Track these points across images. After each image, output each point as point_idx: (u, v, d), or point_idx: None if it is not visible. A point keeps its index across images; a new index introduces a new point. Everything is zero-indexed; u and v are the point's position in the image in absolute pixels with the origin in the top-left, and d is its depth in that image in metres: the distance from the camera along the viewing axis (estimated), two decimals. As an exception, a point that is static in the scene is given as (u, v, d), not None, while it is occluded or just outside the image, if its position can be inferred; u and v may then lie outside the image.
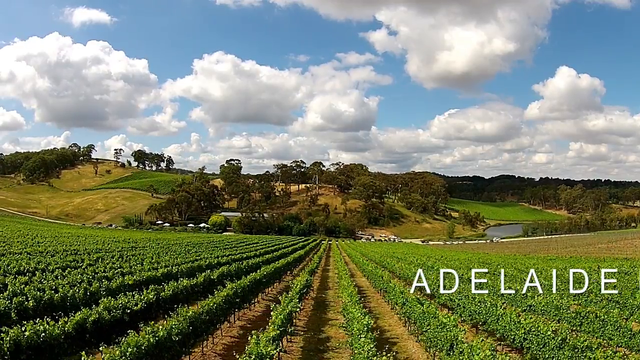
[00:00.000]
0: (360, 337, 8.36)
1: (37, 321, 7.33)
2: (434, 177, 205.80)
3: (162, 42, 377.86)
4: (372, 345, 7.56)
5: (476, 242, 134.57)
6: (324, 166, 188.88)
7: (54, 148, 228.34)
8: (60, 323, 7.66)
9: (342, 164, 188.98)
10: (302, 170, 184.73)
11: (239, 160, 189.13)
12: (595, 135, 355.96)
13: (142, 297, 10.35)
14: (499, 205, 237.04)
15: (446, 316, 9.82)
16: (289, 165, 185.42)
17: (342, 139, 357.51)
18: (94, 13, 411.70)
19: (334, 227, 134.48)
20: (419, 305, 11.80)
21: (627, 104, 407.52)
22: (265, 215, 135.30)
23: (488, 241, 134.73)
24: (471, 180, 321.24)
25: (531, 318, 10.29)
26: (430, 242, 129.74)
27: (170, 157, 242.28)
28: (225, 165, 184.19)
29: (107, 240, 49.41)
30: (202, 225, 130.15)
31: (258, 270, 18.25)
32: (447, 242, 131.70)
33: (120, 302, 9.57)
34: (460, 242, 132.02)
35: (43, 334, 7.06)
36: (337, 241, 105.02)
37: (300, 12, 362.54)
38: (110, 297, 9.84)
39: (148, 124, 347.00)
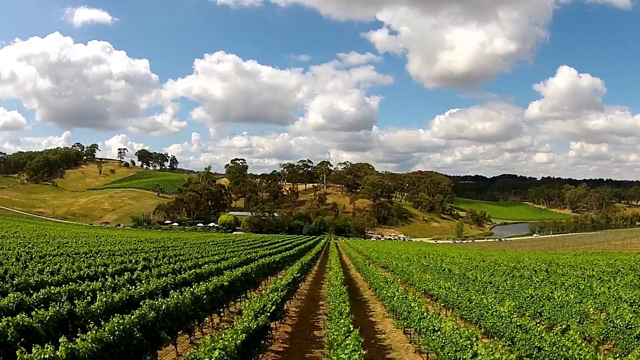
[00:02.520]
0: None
1: (215, 336, 6.47)
2: (441, 176, 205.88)
3: (163, 42, 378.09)
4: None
5: (485, 240, 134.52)
6: (331, 165, 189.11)
7: (58, 148, 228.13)
8: (230, 334, 6.79)
9: (350, 163, 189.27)
10: (309, 169, 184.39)
11: (244, 160, 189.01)
12: (596, 135, 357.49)
13: (270, 299, 10.06)
14: (504, 205, 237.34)
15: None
16: (295, 164, 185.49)
17: (343, 139, 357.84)
18: (95, 13, 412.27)
19: (344, 226, 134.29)
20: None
21: (628, 103, 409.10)
22: (275, 214, 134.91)
23: (496, 240, 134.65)
24: (473, 179, 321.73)
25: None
26: (439, 241, 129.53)
27: (174, 156, 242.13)
28: (231, 164, 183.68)
29: (130, 240, 48.75)
30: (211, 224, 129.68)
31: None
32: (457, 241, 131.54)
33: (257, 306, 9.21)
34: (469, 241, 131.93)
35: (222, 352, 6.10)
36: (348, 240, 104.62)
37: (302, 12, 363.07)
38: (247, 302, 9.46)
39: (149, 124, 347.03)
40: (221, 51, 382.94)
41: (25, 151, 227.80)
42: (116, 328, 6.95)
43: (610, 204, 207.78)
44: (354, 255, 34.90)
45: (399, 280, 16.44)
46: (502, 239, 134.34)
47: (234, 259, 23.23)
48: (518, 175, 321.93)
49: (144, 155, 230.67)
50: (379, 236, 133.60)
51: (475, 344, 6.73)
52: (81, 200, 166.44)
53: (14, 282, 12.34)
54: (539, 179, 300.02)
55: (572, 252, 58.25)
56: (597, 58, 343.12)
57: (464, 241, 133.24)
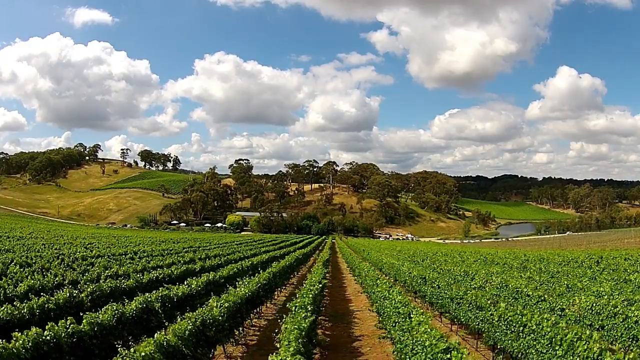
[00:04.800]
0: None
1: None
2: (446, 176, 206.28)
3: (164, 42, 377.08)
4: None
5: (492, 240, 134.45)
6: (337, 165, 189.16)
7: (60, 148, 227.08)
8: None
9: (356, 163, 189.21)
10: (315, 170, 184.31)
11: (248, 160, 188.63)
12: (596, 135, 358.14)
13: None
14: (508, 205, 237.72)
15: None
16: (301, 165, 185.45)
17: (342, 139, 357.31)
18: (96, 13, 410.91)
19: (352, 226, 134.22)
20: None
21: (628, 103, 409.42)
22: (284, 214, 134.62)
23: (504, 239, 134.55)
24: (474, 180, 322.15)
25: None
26: (447, 241, 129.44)
27: (177, 157, 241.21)
28: (235, 165, 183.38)
29: (151, 241, 48.17)
30: (218, 225, 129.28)
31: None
32: (465, 241, 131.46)
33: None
34: (477, 241, 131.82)
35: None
36: (358, 239, 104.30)
37: (302, 13, 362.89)
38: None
39: (149, 125, 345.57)
40: (221, 52, 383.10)
41: (26, 151, 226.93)
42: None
43: (613, 203, 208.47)
44: (390, 253, 34.59)
45: (483, 273, 16.13)
46: (510, 239, 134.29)
47: (288, 257, 22.92)
48: (519, 176, 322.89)
49: (146, 156, 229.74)
50: (387, 236, 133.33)
51: (624, 308, 7.46)
52: (86, 200, 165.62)
53: (88, 289, 11.08)
54: (540, 179, 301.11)
55: (593, 250, 58.17)
56: (597, 58, 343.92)
57: (471, 241, 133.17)
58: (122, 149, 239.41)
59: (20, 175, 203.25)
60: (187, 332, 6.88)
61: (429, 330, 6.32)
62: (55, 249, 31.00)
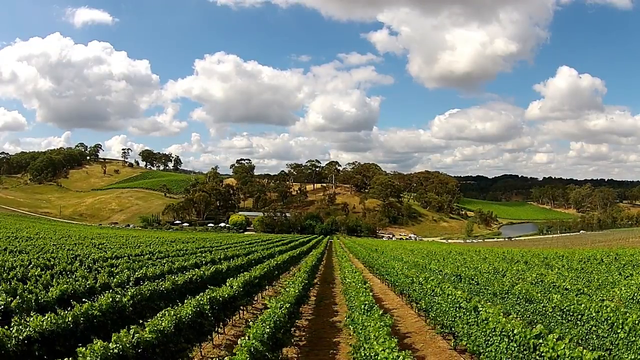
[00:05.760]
0: None
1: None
2: (448, 176, 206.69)
3: (164, 42, 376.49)
4: None
5: (495, 240, 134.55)
6: (339, 165, 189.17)
7: (61, 148, 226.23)
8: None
9: (358, 163, 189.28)
10: (317, 169, 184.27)
11: (250, 160, 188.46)
12: (596, 135, 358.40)
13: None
14: (509, 205, 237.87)
15: None
16: (303, 165, 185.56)
17: (342, 139, 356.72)
18: (96, 13, 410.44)
19: (356, 226, 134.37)
20: None
21: (628, 103, 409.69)
22: (287, 214, 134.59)
23: (506, 239, 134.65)
24: (475, 179, 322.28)
25: None
26: (450, 241, 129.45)
27: (178, 156, 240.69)
28: (237, 165, 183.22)
29: (160, 241, 47.82)
30: (222, 225, 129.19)
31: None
32: (468, 241, 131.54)
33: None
34: (480, 241, 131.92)
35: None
36: (360, 239, 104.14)
37: (302, 13, 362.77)
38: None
39: (149, 124, 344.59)
40: (222, 52, 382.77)
41: (26, 151, 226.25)
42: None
43: (614, 203, 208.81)
44: (404, 252, 34.54)
45: (514, 269, 16.17)
46: (513, 239, 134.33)
47: (309, 257, 22.88)
48: (519, 176, 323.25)
49: (147, 156, 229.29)
50: (390, 236, 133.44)
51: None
52: (87, 200, 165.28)
53: (129, 293, 10.25)
54: (540, 179, 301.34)
55: (605, 248, 58.05)
56: (597, 58, 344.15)
57: (474, 240, 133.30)
58: (123, 149, 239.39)
59: (21, 175, 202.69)
60: (265, 335, 6.80)
61: (509, 320, 6.34)
62: (68, 249, 30.77)
